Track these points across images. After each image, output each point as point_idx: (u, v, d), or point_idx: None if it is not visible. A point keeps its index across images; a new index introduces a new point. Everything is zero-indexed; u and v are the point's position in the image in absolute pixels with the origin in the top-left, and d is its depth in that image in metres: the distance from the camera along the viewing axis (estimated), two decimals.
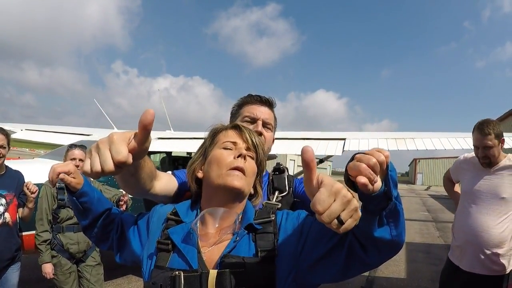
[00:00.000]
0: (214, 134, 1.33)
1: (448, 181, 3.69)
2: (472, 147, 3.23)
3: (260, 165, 1.30)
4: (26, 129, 8.74)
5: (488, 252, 2.97)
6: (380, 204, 0.86)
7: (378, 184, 0.81)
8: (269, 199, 1.58)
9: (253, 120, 1.71)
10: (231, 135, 1.28)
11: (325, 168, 72.02)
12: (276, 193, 1.62)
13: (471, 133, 3.16)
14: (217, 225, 1.15)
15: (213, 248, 1.13)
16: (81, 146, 3.92)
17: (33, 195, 3.38)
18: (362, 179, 0.77)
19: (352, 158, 0.84)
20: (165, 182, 1.46)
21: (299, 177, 1.80)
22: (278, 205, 1.32)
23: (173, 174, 1.60)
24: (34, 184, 3.44)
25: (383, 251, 0.95)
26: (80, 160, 3.80)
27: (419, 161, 59.21)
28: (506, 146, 4.23)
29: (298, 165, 52.76)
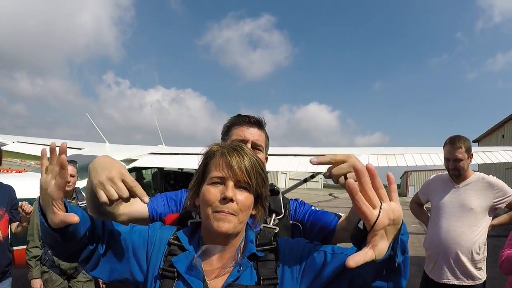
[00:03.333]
0: (206, 161, 1.22)
1: (416, 205, 3.82)
2: None
3: (257, 191, 1.19)
4: (17, 141, 8.68)
5: (461, 262, 3.11)
6: (383, 266, 0.87)
7: (383, 248, 0.82)
8: (266, 222, 1.53)
9: (242, 143, 1.59)
10: (220, 167, 1.16)
11: (317, 181, 71.98)
12: (273, 215, 1.58)
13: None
14: (218, 261, 1.15)
15: (217, 278, 1.13)
16: (72, 161, 3.92)
17: (28, 216, 3.37)
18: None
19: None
20: (129, 207, 1.48)
21: (293, 198, 1.79)
22: (275, 229, 1.33)
23: (155, 197, 1.64)
24: (26, 198, 3.43)
25: None
26: (72, 176, 3.79)
27: (411, 173, 59.48)
28: (489, 161, 4.37)
29: (290, 178, 52.65)
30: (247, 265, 1.13)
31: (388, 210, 0.81)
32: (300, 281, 1.12)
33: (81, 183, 4.28)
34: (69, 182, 3.84)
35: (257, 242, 1.20)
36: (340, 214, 1.62)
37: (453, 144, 3.17)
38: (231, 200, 1.11)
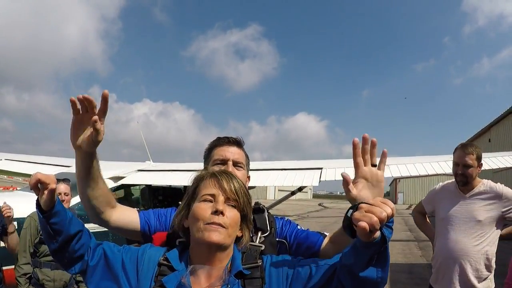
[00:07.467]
0: (196, 185, 1.34)
1: (419, 214, 3.73)
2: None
3: (244, 210, 1.30)
4: (5, 159, 8.59)
5: (469, 275, 3.03)
6: (376, 250, 0.97)
7: (377, 232, 0.93)
8: (252, 240, 1.59)
9: (224, 162, 1.75)
10: (210, 186, 1.28)
11: (306, 192, 71.93)
12: (259, 233, 1.64)
13: (452, 154, 3.27)
14: (206, 280, 1.20)
15: None
16: (65, 179, 3.87)
17: (10, 217, 3.30)
18: (363, 224, 0.91)
19: (356, 208, 0.97)
20: (121, 212, 1.59)
21: (279, 217, 1.84)
22: (261, 246, 1.40)
23: (147, 211, 1.71)
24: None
25: None
26: (65, 194, 3.74)
27: (400, 180, 59.79)
28: (487, 167, 4.20)
29: (279, 190, 52.59)
30: (233, 282, 1.19)
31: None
32: None
33: (73, 200, 4.26)
34: (63, 200, 3.81)
35: (243, 261, 1.28)
36: (325, 233, 1.70)
37: (464, 149, 3.11)
38: (222, 213, 1.22)
